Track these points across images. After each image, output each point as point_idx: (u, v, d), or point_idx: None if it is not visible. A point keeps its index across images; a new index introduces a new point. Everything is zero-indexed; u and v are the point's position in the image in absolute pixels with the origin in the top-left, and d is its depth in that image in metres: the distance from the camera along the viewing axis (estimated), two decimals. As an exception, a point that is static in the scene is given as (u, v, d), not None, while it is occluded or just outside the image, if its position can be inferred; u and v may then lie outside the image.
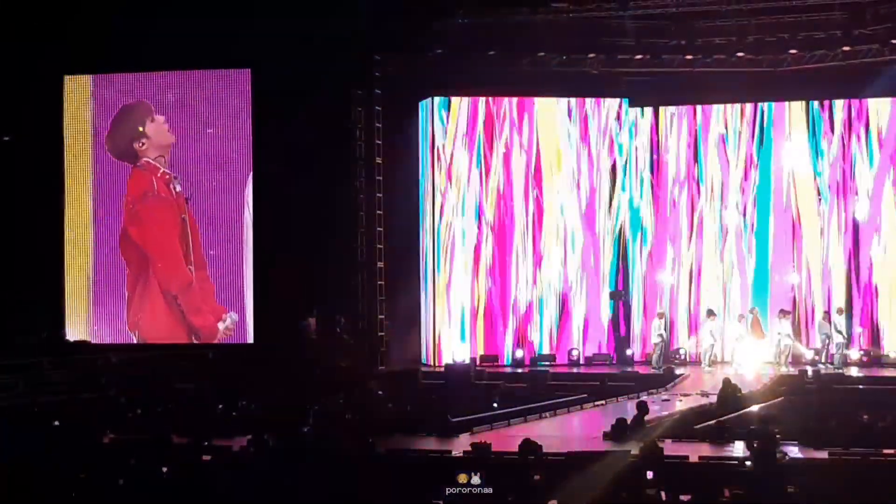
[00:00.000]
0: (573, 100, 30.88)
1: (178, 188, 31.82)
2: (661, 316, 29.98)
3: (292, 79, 28.50)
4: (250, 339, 30.47)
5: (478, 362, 29.51)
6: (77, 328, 30.99)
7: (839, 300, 29.88)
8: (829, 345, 29.03)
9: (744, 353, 28.91)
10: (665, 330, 29.79)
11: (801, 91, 29.82)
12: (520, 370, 29.60)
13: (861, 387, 26.06)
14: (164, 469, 15.17)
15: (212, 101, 31.40)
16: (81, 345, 29.91)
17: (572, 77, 30.01)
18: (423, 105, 30.73)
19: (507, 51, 29.23)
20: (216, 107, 31.33)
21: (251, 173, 30.93)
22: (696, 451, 16.63)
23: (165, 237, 31.98)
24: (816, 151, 30.35)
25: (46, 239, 30.67)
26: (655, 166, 31.48)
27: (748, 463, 15.15)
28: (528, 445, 15.57)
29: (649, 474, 14.42)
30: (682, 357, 30.42)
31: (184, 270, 31.66)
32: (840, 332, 28.89)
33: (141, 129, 31.82)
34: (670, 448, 16.69)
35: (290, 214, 29.18)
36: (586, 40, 29.33)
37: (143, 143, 31.77)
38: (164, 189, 31.98)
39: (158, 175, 31.87)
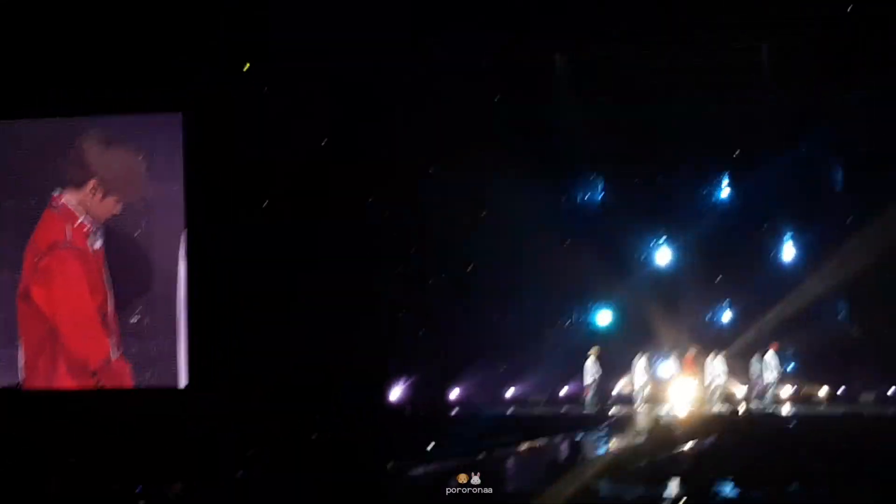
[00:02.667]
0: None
1: (98, 245, 28.49)
2: (595, 354, 29.95)
3: (226, 123, 28.27)
4: (182, 384, 29.28)
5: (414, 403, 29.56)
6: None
7: (774, 337, 30.00)
8: (760, 382, 29.25)
9: (676, 391, 29.06)
10: (599, 369, 29.85)
11: (736, 130, 29.98)
12: (454, 411, 29.65)
13: (792, 424, 26.25)
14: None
15: (140, 147, 29.29)
16: (12, 389, 29.25)
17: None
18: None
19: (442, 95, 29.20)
20: (145, 153, 29.28)
21: (184, 224, 29.05)
22: (630, 491, 16.68)
23: (79, 300, 28.49)
24: (752, 191, 30.76)
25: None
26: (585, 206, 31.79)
27: (682, 502, 15.21)
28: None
29: (585, 515, 14.45)
30: (616, 396, 30.54)
31: (103, 342, 28.48)
32: (771, 370, 29.09)
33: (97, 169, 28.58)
34: (605, 488, 16.74)
35: (223, 261, 28.67)
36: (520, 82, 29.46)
37: (95, 190, 28.41)
38: (81, 241, 28.55)
39: (76, 225, 28.59)
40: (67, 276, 28.60)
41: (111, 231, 29.00)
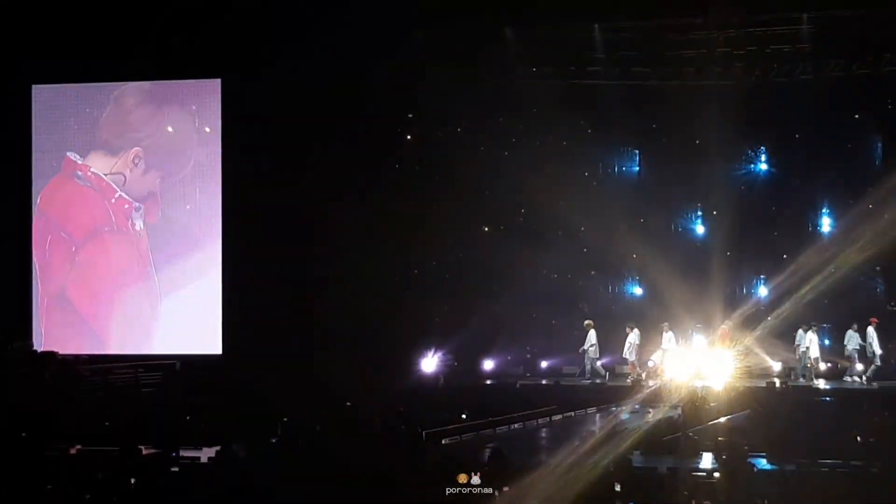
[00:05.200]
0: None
1: (141, 224, 25.39)
2: (587, 327, 29.52)
3: (265, 91, 28.19)
4: (219, 350, 29.15)
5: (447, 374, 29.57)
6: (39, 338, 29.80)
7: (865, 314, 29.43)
8: (857, 358, 28.74)
9: (711, 364, 28.91)
10: (590, 341, 29.40)
11: (773, 104, 29.79)
12: (489, 381, 29.64)
13: (827, 399, 26.16)
14: (133, 480, 15.10)
15: (181, 112, 28.74)
16: (49, 355, 29.40)
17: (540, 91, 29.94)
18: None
19: (474, 67, 29.09)
20: (186, 119, 28.66)
21: (220, 187, 28.43)
22: (664, 463, 16.67)
23: (127, 295, 25.97)
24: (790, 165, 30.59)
25: (14, 248, 29.94)
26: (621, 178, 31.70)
27: (716, 475, 15.19)
28: (497, 455, 15.57)
29: (617, 486, 14.44)
30: (652, 368, 30.37)
31: (153, 339, 26.19)
32: (871, 345, 28.52)
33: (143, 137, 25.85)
34: (639, 460, 16.74)
35: (261, 228, 28.61)
36: (555, 54, 29.33)
37: (137, 158, 25.46)
38: (123, 222, 25.39)
39: (114, 200, 25.66)
40: (112, 267, 25.57)
41: (153, 208, 27.37)
